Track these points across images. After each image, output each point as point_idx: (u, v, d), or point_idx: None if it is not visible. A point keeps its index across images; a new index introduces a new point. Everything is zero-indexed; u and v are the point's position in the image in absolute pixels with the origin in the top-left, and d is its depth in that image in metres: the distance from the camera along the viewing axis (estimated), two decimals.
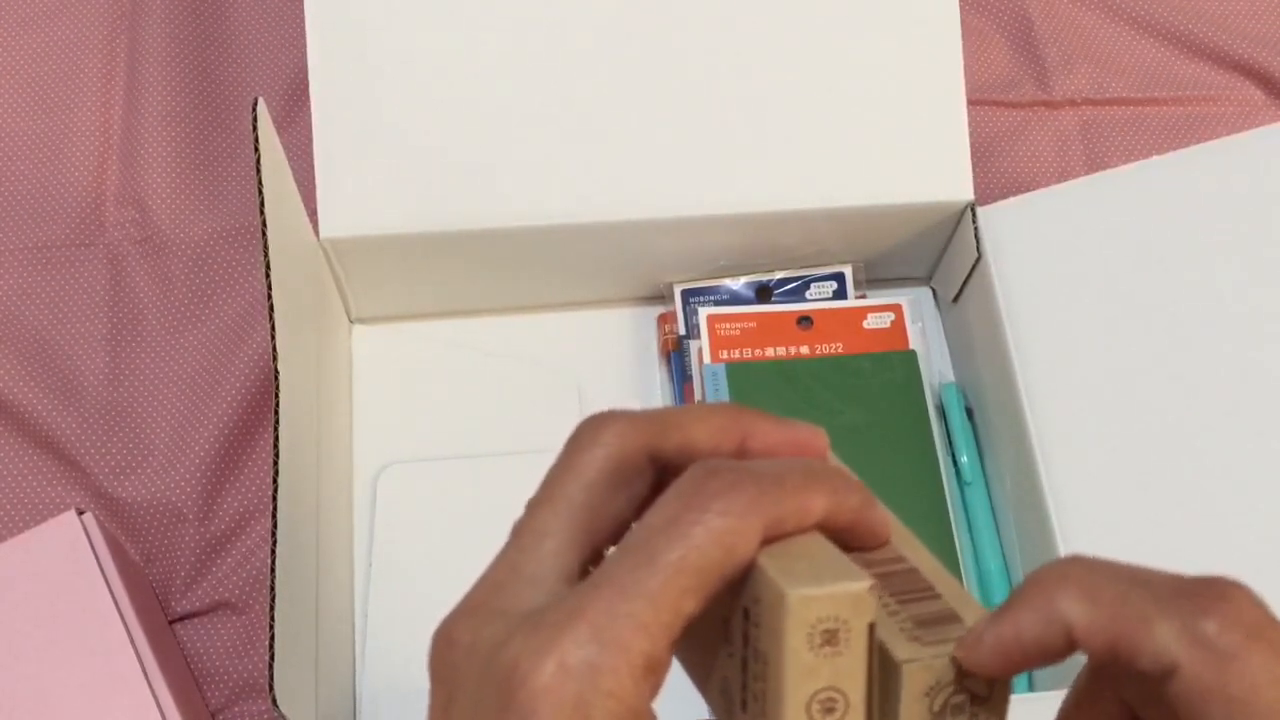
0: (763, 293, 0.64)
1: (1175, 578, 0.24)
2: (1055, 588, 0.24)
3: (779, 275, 0.64)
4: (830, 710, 0.24)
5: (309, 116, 0.56)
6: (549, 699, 0.23)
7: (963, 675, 0.25)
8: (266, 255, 0.47)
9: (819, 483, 0.25)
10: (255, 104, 0.48)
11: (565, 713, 0.23)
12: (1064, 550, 0.53)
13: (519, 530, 0.26)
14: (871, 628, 0.24)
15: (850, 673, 0.24)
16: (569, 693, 0.23)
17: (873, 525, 0.26)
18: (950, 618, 0.25)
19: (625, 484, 0.27)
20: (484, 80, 0.57)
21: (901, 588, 0.26)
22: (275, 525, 0.45)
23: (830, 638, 0.24)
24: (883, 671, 0.25)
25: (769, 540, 0.25)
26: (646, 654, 0.23)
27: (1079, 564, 0.25)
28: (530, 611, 0.24)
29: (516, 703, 0.23)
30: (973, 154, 0.60)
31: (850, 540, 0.26)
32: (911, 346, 0.62)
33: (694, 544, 0.24)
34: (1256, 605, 0.23)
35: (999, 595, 0.57)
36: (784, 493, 0.25)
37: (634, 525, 0.25)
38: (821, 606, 0.24)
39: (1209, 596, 0.23)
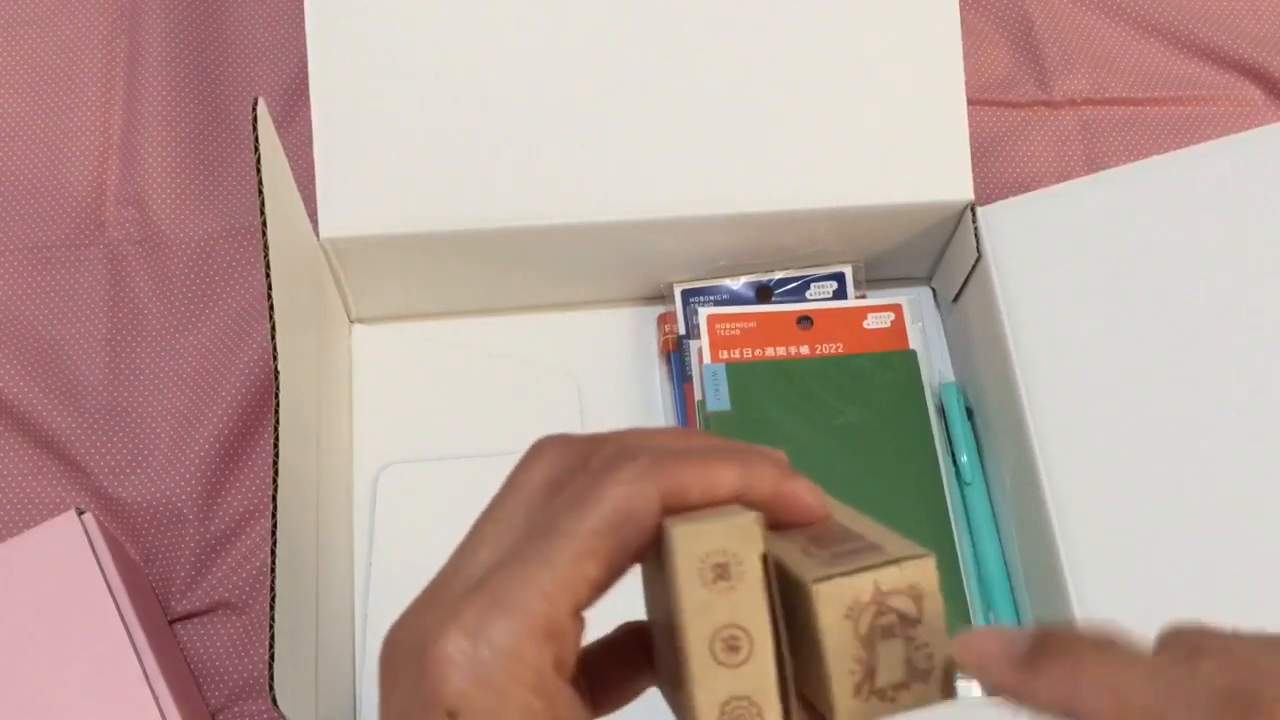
0: (763, 293, 0.64)
1: (1207, 685, 0.22)
2: (1079, 675, 0.23)
3: (779, 275, 0.64)
4: (734, 649, 0.24)
5: (309, 116, 0.56)
6: (452, 664, 0.24)
7: (886, 594, 0.24)
8: (266, 255, 0.47)
9: (724, 455, 0.26)
10: (255, 104, 0.48)
11: (467, 674, 0.24)
12: (1064, 550, 0.53)
13: (464, 539, 0.28)
14: (765, 559, 0.24)
15: (748, 606, 0.24)
16: (469, 655, 0.24)
17: (799, 498, 0.27)
18: (869, 549, 0.25)
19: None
20: (484, 80, 0.57)
21: (826, 538, 0.26)
22: (275, 525, 0.45)
23: (721, 572, 0.24)
24: (799, 605, 0.24)
25: (675, 510, 0.25)
26: (545, 615, 0.24)
27: (1107, 653, 0.24)
28: (451, 599, 0.25)
29: (427, 673, 0.24)
30: (973, 154, 0.60)
31: (781, 515, 0.27)
32: (911, 346, 0.62)
33: (589, 510, 0.25)
34: None
35: (999, 595, 0.57)
36: (682, 462, 0.26)
37: (546, 509, 0.27)
38: (707, 540, 0.24)
39: (1245, 713, 0.22)
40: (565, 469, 0.28)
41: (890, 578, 0.24)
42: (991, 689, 0.24)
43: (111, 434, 0.62)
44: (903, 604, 0.24)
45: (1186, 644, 0.23)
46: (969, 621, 0.56)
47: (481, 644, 0.24)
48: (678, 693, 0.25)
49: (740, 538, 0.24)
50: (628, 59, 0.58)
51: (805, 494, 0.27)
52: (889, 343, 0.62)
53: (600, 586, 0.25)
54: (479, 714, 0.24)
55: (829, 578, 0.24)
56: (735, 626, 0.24)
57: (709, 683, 0.24)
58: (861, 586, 0.24)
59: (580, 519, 0.25)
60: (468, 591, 0.25)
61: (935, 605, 0.25)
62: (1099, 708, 0.23)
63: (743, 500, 0.26)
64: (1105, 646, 0.24)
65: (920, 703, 0.24)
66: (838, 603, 0.24)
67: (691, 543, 0.24)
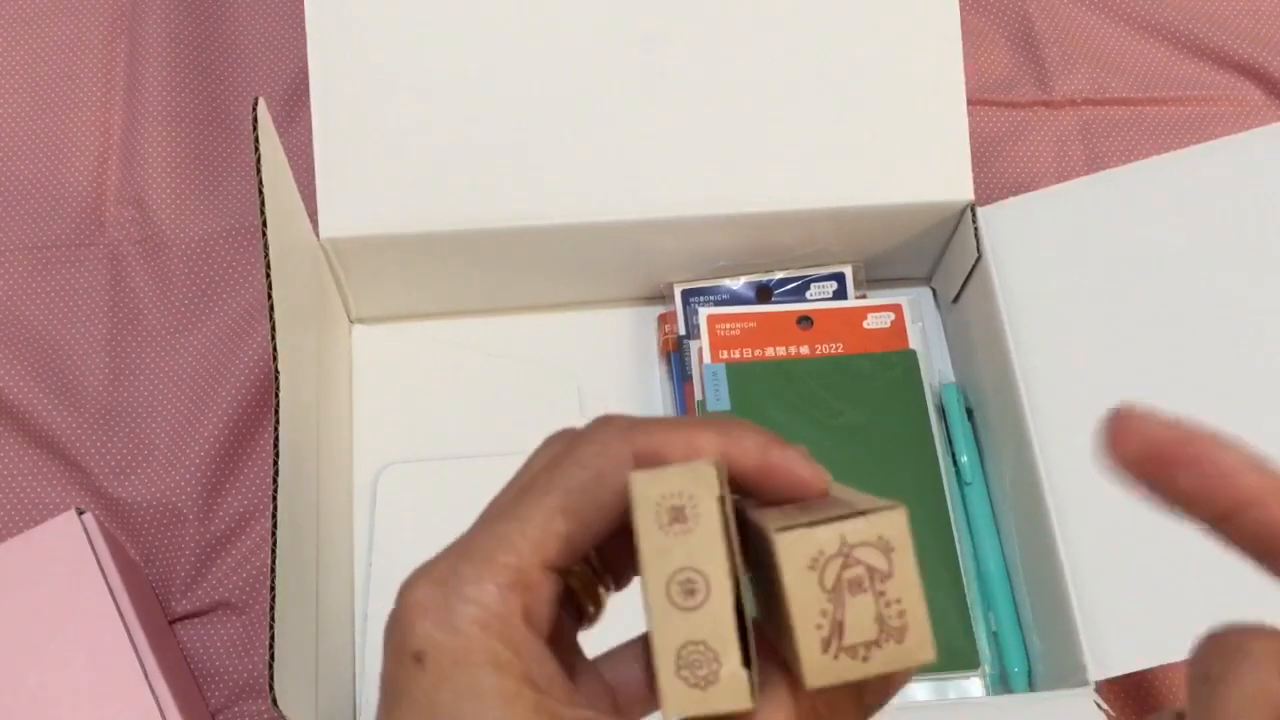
0: (763, 293, 0.64)
1: None
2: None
3: (779, 275, 0.64)
4: (691, 592, 0.24)
5: (309, 116, 0.56)
6: (421, 609, 0.25)
7: (852, 546, 0.24)
8: (266, 255, 0.47)
9: (705, 424, 0.27)
10: (255, 104, 0.48)
11: (435, 619, 0.25)
12: (1064, 550, 0.53)
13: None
14: (722, 502, 0.24)
15: (705, 550, 0.24)
16: (438, 602, 0.25)
17: (789, 467, 0.26)
18: (844, 507, 0.24)
19: None
20: (484, 80, 0.57)
21: (811, 505, 0.26)
22: (275, 525, 0.45)
23: (678, 514, 0.24)
24: (765, 558, 0.24)
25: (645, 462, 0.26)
26: (512, 567, 0.25)
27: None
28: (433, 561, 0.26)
29: (399, 621, 0.25)
30: (973, 154, 0.59)
31: (772, 486, 0.27)
32: (911, 346, 0.62)
33: (561, 469, 0.26)
34: (1230, 630, 0.23)
35: (999, 595, 0.57)
36: (659, 426, 0.26)
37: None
38: (663, 484, 0.24)
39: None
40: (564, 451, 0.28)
41: (857, 529, 0.24)
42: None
43: (111, 434, 0.62)
44: (871, 556, 0.24)
45: None
46: (969, 621, 0.56)
47: (450, 592, 0.25)
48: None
49: (696, 480, 0.24)
50: (628, 59, 0.58)
51: (797, 465, 0.26)
52: (889, 343, 0.62)
53: (571, 541, 0.26)
54: (444, 655, 0.24)
55: (792, 528, 0.24)
56: (691, 569, 0.24)
57: (666, 626, 0.24)
58: (826, 538, 0.24)
59: (551, 476, 0.26)
60: (445, 548, 0.26)
61: (906, 560, 0.24)
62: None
63: (734, 474, 0.26)
64: None
65: (895, 664, 0.24)
66: (801, 553, 0.24)
67: (647, 486, 0.24)
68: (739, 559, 0.25)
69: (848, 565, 0.24)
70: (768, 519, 0.25)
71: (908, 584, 0.24)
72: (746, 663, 0.24)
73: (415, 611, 0.25)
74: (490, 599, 0.25)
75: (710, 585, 0.24)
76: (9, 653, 0.49)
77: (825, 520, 0.24)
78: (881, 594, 0.24)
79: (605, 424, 0.27)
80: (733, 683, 0.24)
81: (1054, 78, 0.73)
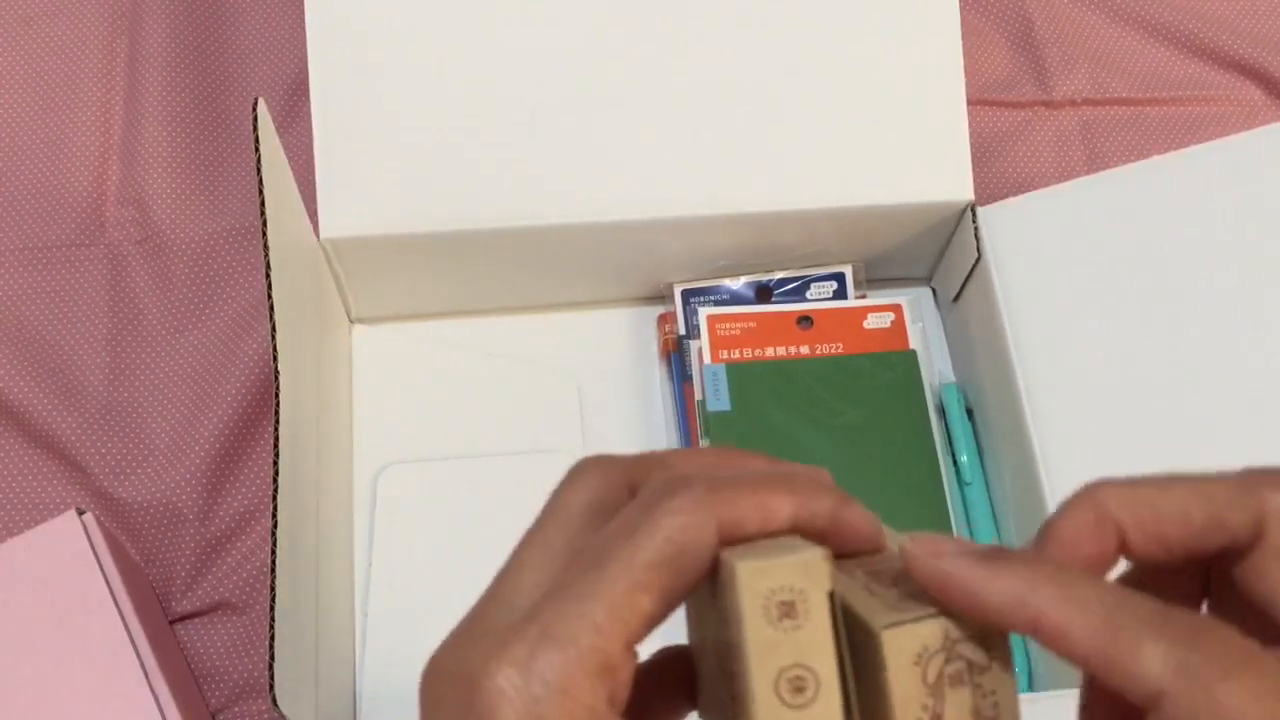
0: (763, 293, 0.64)
1: (1160, 604, 0.23)
2: (1040, 580, 0.24)
3: (779, 275, 0.64)
4: (800, 689, 0.23)
5: (309, 116, 0.56)
6: (504, 698, 0.23)
7: (955, 641, 0.24)
8: (266, 255, 0.47)
9: (780, 484, 0.26)
10: (255, 104, 0.48)
11: (520, 711, 0.23)
12: None
13: (506, 564, 0.27)
14: (832, 597, 0.24)
15: (815, 646, 0.24)
16: (522, 691, 0.23)
17: (856, 526, 0.26)
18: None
19: (607, 517, 0.27)
20: (484, 80, 0.57)
21: (884, 573, 0.26)
22: (275, 525, 0.45)
23: (788, 610, 0.24)
24: (864, 649, 0.24)
25: (731, 541, 0.25)
26: (600, 651, 0.23)
27: (1066, 574, 0.24)
28: (489, 630, 0.25)
29: (476, 706, 0.23)
30: (973, 154, 0.60)
31: (838, 545, 0.26)
32: (911, 346, 0.62)
33: (642, 542, 0.24)
34: (1241, 638, 0.23)
35: None
36: (738, 491, 0.25)
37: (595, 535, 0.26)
38: (773, 577, 0.24)
39: (1196, 627, 0.23)
40: (608, 493, 0.27)
41: (960, 626, 0.24)
42: (933, 587, 0.24)
43: (111, 434, 0.62)
44: (971, 651, 0.24)
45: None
46: None
47: (534, 679, 0.23)
48: None
49: (807, 575, 0.24)
50: (628, 59, 0.58)
51: (862, 522, 0.26)
52: (889, 343, 0.62)
53: (654, 620, 0.25)
54: None
55: (899, 624, 0.23)
56: (801, 666, 0.24)
57: None
58: (930, 633, 0.24)
59: (634, 550, 0.24)
60: (517, 622, 0.24)
61: (1004, 653, 0.24)
62: (1058, 614, 0.23)
63: (798, 529, 0.26)
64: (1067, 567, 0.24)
65: None
66: (907, 649, 0.24)
67: (757, 579, 0.23)
68: (845, 652, 0.24)
69: (950, 660, 0.24)
70: (856, 598, 0.25)
71: (1003, 678, 0.24)
72: None
73: (498, 700, 0.23)
74: (577, 687, 0.23)
75: (820, 683, 0.24)
76: (9, 653, 0.49)
77: (929, 615, 0.24)
78: (979, 686, 0.24)
79: (682, 489, 0.25)
80: None
81: (1054, 78, 0.73)
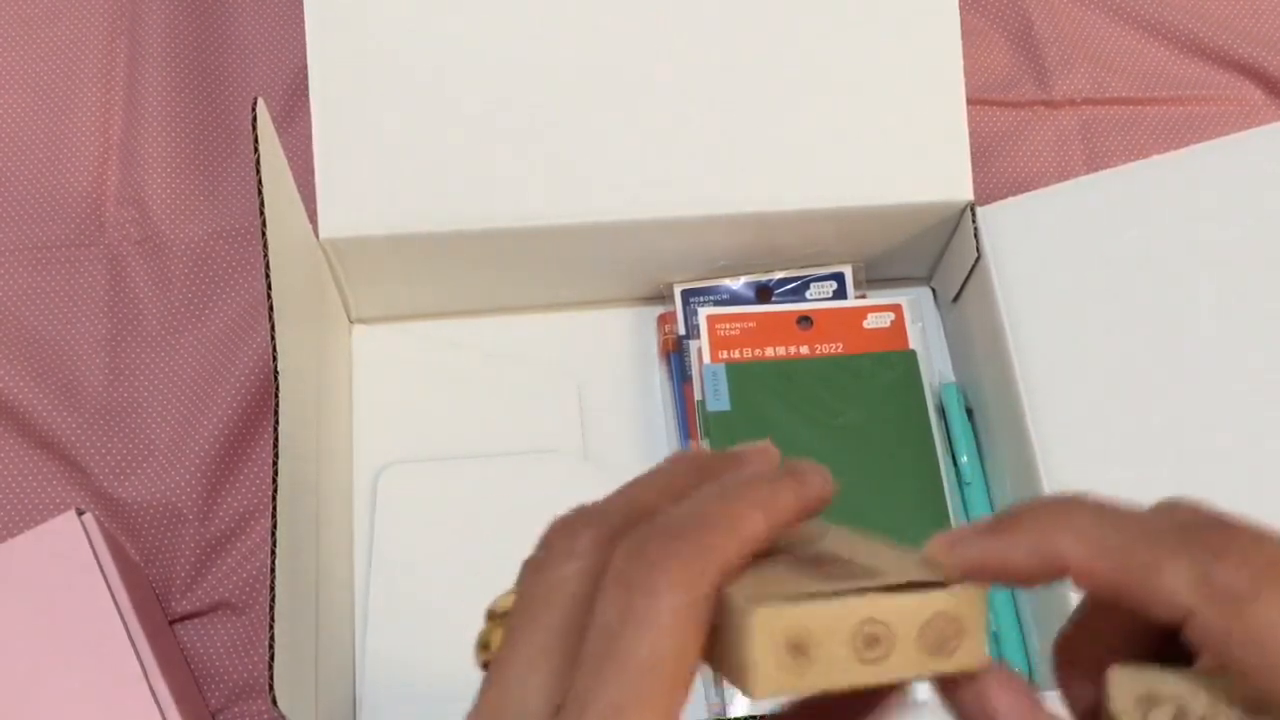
0: (763, 293, 0.64)
1: (1179, 521, 0.23)
2: (1055, 527, 0.23)
3: (779, 275, 0.64)
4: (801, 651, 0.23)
5: (309, 116, 0.56)
6: None
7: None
8: (266, 255, 0.47)
9: (749, 503, 0.24)
10: (255, 104, 0.48)
11: None
12: None
13: (500, 661, 0.24)
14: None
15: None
16: None
17: (819, 498, 0.26)
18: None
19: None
20: (484, 80, 0.57)
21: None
22: (275, 525, 0.45)
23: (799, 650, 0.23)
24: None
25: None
26: None
27: (1080, 505, 0.24)
28: None
29: None
30: (973, 154, 0.59)
31: (802, 519, 0.26)
32: (911, 346, 0.62)
33: (660, 632, 0.22)
34: (1264, 542, 0.22)
35: (999, 595, 0.57)
36: (723, 536, 0.23)
37: (590, 628, 0.23)
38: (788, 619, 0.23)
39: (1217, 538, 0.22)
40: (601, 564, 0.24)
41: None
42: (969, 573, 0.24)
43: (111, 434, 0.62)
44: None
45: (1165, 503, 0.24)
46: None
47: None
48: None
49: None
50: (628, 59, 0.58)
51: (818, 489, 0.26)
52: (889, 343, 0.62)
53: (686, 705, 0.23)
54: None
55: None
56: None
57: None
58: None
59: (653, 644, 0.22)
60: None
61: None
62: (1077, 552, 0.23)
63: (772, 536, 0.25)
64: (1079, 501, 0.24)
65: None
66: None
67: (773, 621, 0.23)
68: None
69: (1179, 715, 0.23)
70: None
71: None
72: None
73: None
74: None
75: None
76: (9, 653, 0.49)
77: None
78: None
79: (675, 555, 0.23)
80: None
81: (1054, 77, 0.73)
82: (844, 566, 0.25)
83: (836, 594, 0.23)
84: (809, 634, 0.23)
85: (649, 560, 0.23)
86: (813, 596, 0.23)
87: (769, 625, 0.22)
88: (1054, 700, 0.27)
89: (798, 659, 0.23)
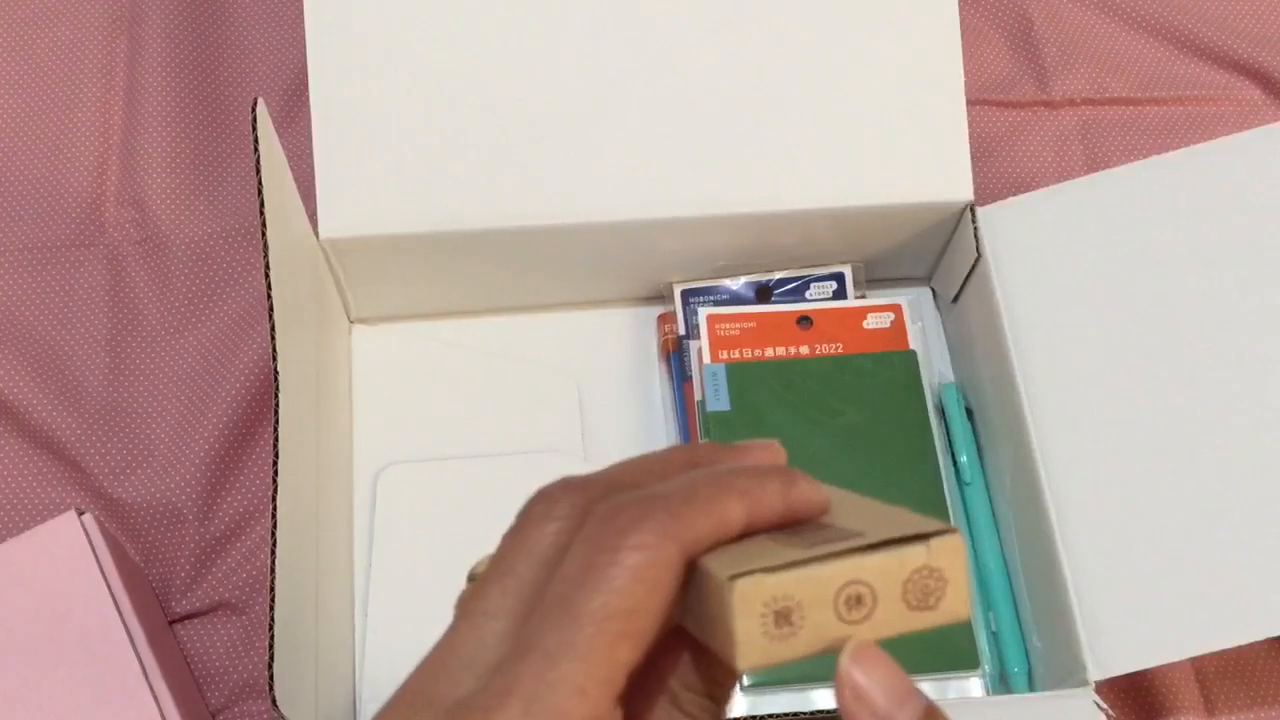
0: (763, 293, 0.64)
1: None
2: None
3: (779, 275, 0.64)
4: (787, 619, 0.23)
5: (309, 116, 0.56)
6: None
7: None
8: (266, 255, 0.47)
9: (731, 489, 0.24)
10: (255, 104, 0.48)
11: None
12: (1064, 550, 0.53)
13: (464, 610, 0.24)
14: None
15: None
16: None
17: (806, 505, 0.25)
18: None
19: None
20: (484, 80, 0.57)
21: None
22: (275, 525, 0.45)
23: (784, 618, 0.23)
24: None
25: (691, 560, 0.24)
26: (589, 717, 0.22)
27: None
28: (459, 699, 0.23)
29: None
30: (973, 154, 0.59)
31: (792, 521, 0.25)
32: (911, 346, 0.62)
33: (614, 586, 0.22)
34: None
35: (999, 595, 0.57)
36: (697, 510, 0.24)
37: (552, 579, 0.23)
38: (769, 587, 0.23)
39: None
40: (576, 529, 0.25)
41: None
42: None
43: (111, 434, 0.62)
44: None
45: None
46: (968, 621, 0.56)
47: None
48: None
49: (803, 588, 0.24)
50: (628, 59, 0.58)
51: (810, 495, 0.26)
52: (889, 343, 0.62)
53: (634, 666, 0.23)
54: None
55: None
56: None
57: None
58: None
59: (605, 597, 0.22)
60: (492, 690, 0.22)
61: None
62: None
63: (752, 528, 0.25)
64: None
65: None
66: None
67: (753, 592, 0.23)
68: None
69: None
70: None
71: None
72: None
73: None
74: None
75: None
76: (9, 653, 0.49)
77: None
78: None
79: (641, 519, 0.23)
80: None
81: (1054, 78, 0.73)
82: (824, 531, 0.25)
83: (816, 559, 0.23)
84: (792, 602, 0.23)
85: (618, 525, 0.23)
86: (792, 564, 0.23)
87: (751, 596, 0.23)
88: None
89: (782, 627, 0.23)
